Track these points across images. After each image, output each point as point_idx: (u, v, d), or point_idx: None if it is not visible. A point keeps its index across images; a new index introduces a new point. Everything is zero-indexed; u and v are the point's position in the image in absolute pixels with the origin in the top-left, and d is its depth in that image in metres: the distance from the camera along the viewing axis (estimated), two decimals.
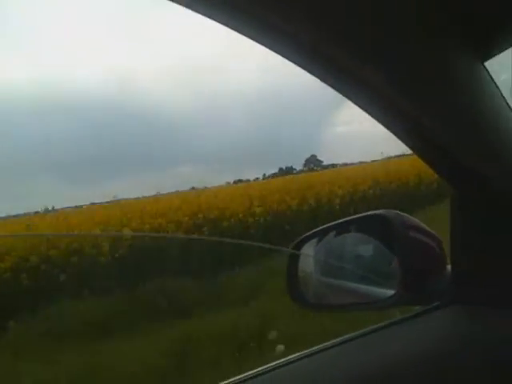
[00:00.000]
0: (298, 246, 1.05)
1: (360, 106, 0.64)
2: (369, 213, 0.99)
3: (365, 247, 1.09)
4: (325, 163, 21.33)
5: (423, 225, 0.94)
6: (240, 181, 17.97)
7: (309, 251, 1.08)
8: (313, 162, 21.98)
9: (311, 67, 0.56)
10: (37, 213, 9.93)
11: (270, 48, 0.52)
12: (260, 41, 0.50)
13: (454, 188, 0.81)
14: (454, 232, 0.87)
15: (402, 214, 0.92)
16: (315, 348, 0.84)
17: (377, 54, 0.54)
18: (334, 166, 19.72)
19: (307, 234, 1.06)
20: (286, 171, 19.93)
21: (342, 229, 1.09)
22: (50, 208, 10.42)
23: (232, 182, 17.94)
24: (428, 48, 0.59)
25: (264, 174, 20.28)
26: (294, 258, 1.05)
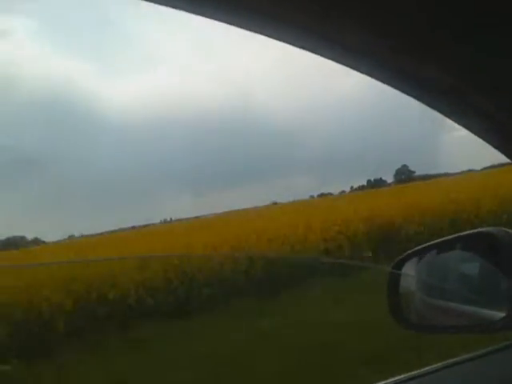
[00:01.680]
0: (399, 265, 1.04)
1: (462, 125, 0.64)
2: (475, 230, 0.96)
3: (470, 266, 1.05)
4: (417, 173, 20.18)
5: None
6: (322, 194, 17.68)
7: (410, 270, 1.06)
8: (404, 173, 20.98)
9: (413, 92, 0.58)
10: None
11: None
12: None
13: None
14: None
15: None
16: (414, 373, 0.82)
17: (483, 77, 0.55)
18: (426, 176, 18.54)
19: (408, 252, 1.05)
20: (375, 183, 19.27)
21: (445, 247, 1.06)
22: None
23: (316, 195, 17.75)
24: None
25: (352, 187, 19.81)
26: (395, 277, 1.04)
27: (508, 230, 0.89)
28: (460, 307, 1.01)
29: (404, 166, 20.86)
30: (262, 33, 0.47)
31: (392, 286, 1.03)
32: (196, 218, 13.08)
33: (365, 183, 20.17)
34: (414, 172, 20.63)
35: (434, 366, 0.84)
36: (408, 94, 0.60)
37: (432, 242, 1.03)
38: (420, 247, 1.05)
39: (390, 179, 20.93)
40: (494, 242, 0.87)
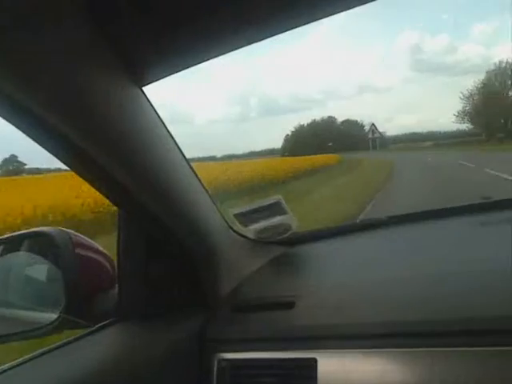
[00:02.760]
0: None
1: (16, 126, 0.58)
2: (31, 230, 0.89)
3: (37, 268, 0.97)
4: (29, 166, 18.71)
5: (94, 243, 0.91)
6: None
7: None
8: (13, 164, 19.05)
9: None
10: None
11: None
12: None
13: (116, 206, 0.80)
14: (119, 249, 0.87)
15: (68, 231, 0.86)
16: None
17: (36, 77, 0.53)
18: (38, 170, 17.52)
19: None
20: None
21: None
22: None
23: None
24: (85, 72, 0.58)
25: None
26: None
27: (65, 229, 0.87)
28: (16, 313, 0.92)
29: (13, 156, 18.85)
30: None
31: None
32: None
33: None
34: (25, 164, 19.06)
35: None
36: None
37: None
38: None
39: None
40: (49, 241, 0.83)
